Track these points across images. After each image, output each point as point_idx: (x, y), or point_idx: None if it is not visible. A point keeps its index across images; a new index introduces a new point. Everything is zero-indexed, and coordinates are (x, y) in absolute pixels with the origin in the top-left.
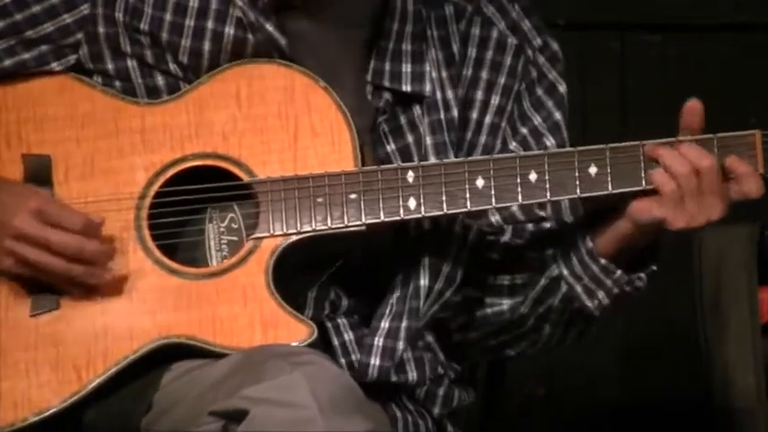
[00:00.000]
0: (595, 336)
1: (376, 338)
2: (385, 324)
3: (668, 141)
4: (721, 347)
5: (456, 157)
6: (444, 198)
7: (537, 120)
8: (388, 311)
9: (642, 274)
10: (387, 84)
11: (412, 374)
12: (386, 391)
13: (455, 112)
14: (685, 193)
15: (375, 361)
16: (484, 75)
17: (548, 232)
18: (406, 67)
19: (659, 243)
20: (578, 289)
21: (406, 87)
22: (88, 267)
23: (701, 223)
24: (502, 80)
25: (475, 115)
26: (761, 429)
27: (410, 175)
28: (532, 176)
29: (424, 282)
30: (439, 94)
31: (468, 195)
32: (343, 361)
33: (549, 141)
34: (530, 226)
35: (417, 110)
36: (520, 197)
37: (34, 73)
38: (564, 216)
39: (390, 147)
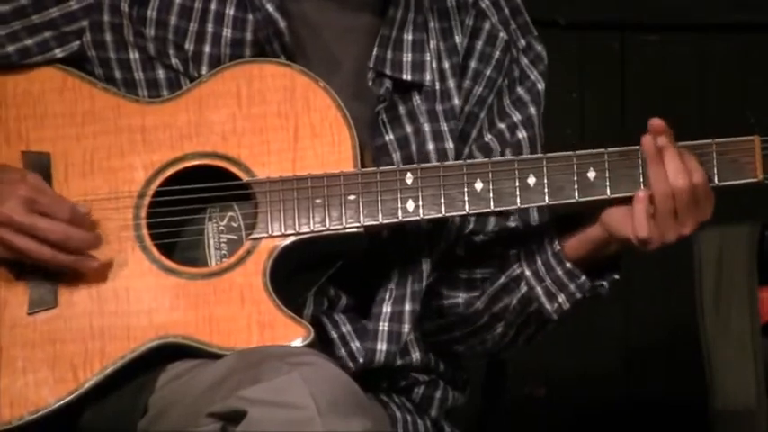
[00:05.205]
0: (595, 336)
1: (380, 323)
2: (387, 308)
3: None
4: (721, 347)
5: (454, 144)
6: (443, 200)
7: (516, 117)
8: (387, 296)
9: (605, 282)
10: (388, 72)
11: (416, 355)
12: (382, 387)
13: (456, 101)
14: (662, 210)
15: (381, 346)
16: (472, 64)
17: (513, 231)
18: (407, 56)
19: (621, 252)
20: (539, 291)
21: (407, 76)
22: (74, 255)
23: (672, 240)
24: (488, 72)
25: (458, 102)
26: (760, 429)
27: (409, 177)
28: (531, 180)
29: (426, 265)
30: (438, 84)
31: (466, 198)
32: (343, 351)
33: (522, 134)
34: (491, 221)
35: (417, 99)
36: (518, 201)
37: (35, 70)
38: (530, 217)
39: (389, 137)
